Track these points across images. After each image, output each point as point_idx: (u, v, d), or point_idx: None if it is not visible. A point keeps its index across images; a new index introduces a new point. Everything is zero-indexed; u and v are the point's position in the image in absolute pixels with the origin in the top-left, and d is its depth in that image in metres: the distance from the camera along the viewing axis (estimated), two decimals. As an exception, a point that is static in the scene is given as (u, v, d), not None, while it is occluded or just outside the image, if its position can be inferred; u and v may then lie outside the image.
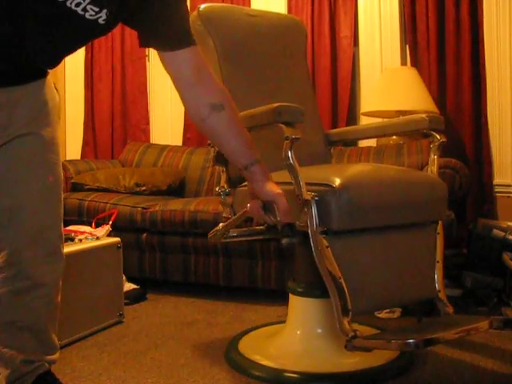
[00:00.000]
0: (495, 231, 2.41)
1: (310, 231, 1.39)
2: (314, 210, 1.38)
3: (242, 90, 1.87)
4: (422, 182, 1.66)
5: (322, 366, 1.59)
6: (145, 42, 1.27)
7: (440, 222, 1.65)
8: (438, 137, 1.70)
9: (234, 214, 1.74)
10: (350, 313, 1.36)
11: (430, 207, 1.62)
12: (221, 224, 1.68)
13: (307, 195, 1.39)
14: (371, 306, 1.52)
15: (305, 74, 2.12)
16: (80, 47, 1.29)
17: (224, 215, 1.77)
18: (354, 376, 1.57)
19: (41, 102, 1.29)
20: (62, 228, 1.38)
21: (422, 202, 1.60)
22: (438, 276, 1.58)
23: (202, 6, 1.92)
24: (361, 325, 1.95)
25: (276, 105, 1.44)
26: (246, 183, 1.72)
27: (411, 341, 1.28)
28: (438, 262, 1.60)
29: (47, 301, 1.34)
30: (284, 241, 1.61)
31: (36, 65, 1.24)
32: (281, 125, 1.43)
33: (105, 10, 1.11)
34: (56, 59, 1.26)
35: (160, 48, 1.26)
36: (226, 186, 1.76)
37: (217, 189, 1.76)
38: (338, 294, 1.36)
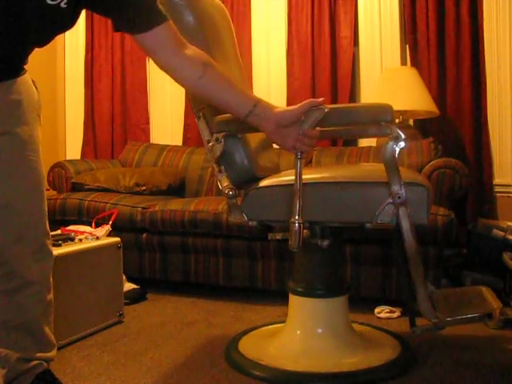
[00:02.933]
0: (495, 231, 2.41)
1: (404, 228, 1.45)
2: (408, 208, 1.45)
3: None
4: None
5: (321, 366, 1.59)
6: (117, 27, 1.26)
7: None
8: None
9: (247, 218, 1.61)
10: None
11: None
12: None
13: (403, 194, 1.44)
14: None
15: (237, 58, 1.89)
16: (47, 40, 1.24)
17: (231, 219, 1.64)
18: (354, 376, 1.57)
19: (14, 101, 1.27)
20: (47, 225, 1.37)
21: None
22: None
23: None
24: (361, 325, 1.95)
25: (387, 104, 1.43)
26: (254, 186, 1.64)
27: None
28: None
29: (39, 299, 1.35)
30: (325, 242, 1.65)
31: (7, 61, 1.21)
32: (390, 125, 1.41)
33: None
34: (26, 52, 1.24)
35: (132, 31, 1.25)
36: (231, 187, 1.59)
37: (226, 191, 1.58)
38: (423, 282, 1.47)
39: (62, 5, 1.12)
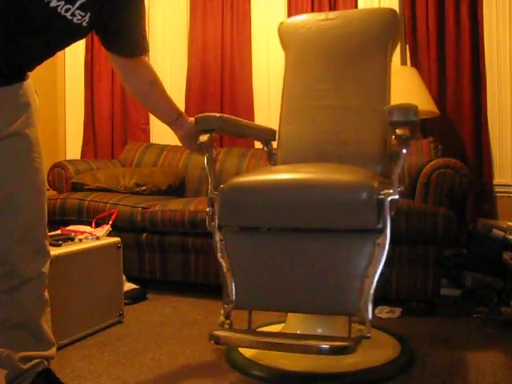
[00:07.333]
0: (495, 231, 2.41)
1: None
2: (210, 208, 1.61)
3: (297, 92, 2.04)
4: (333, 186, 1.50)
5: (321, 366, 1.59)
6: (108, 47, 1.44)
7: (387, 233, 1.42)
8: None
9: None
10: (232, 304, 1.54)
11: (345, 213, 1.44)
12: None
13: (212, 195, 1.61)
14: (253, 304, 1.59)
15: (378, 69, 1.95)
16: (62, 49, 1.39)
17: None
18: (354, 376, 1.57)
19: (25, 103, 1.33)
20: (46, 226, 1.41)
21: (328, 206, 1.46)
22: (362, 293, 1.42)
23: (280, 24, 2.17)
24: (361, 325, 1.95)
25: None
26: None
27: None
28: (366, 277, 1.42)
29: (36, 296, 1.37)
30: None
31: (20, 66, 1.29)
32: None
33: (89, 14, 1.24)
34: (39, 61, 1.32)
35: (117, 54, 1.45)
36: None
37: None
38: (224, 285, 1.55)
39: (84, 24, 1.25)
